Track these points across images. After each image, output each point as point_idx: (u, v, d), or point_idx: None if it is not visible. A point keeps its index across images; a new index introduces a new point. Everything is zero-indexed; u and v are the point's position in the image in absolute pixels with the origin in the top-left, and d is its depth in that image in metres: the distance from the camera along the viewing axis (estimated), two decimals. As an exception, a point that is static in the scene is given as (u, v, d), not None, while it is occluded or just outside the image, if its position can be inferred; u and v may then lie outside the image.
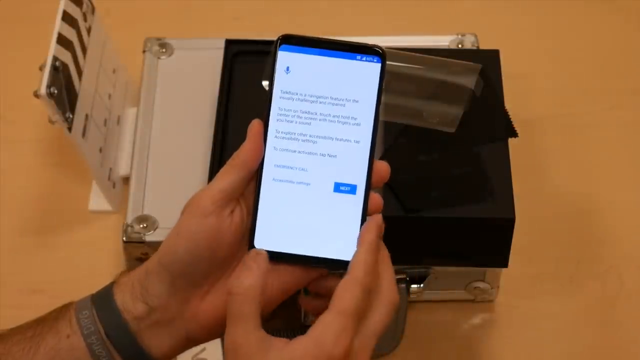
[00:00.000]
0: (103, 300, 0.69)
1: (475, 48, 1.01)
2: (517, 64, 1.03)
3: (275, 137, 0.68)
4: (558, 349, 0.93)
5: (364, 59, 0.68)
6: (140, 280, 0.69)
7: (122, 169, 1.01)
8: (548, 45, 1.15)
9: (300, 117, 0.68)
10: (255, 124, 0.68)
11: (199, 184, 0.90)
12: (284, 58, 0.68)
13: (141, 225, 0.90)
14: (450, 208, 0.84)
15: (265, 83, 0.89)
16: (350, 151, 0.68)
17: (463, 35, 1.02)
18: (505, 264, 0.88)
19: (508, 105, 0.89)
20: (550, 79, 1.12)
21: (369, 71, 0.68)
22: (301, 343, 0.64)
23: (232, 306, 0.65)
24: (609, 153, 1.06)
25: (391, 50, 0.87)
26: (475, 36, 1.02)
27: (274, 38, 0.90)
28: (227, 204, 0.67)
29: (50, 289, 0.97)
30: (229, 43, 0.97)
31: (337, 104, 0.68)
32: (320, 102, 0.68)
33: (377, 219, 0.68)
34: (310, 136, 0.68)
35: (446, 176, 0.86)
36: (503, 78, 0.92)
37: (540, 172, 1.04)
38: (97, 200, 1.01)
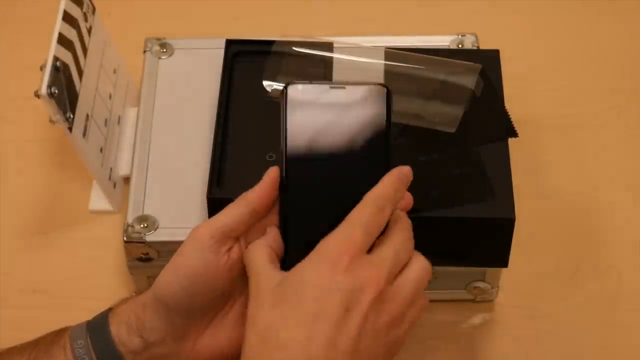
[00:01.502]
0: (98, 329, 0.69)
1: (475, 48, 1.01)
2: (517, 64, 1.03)
3: (294, 173, 0.68)
4: (558, 349, 0.93)
5: (370, 97, 0.69)
6: (137, 312, 0.68)
7: (123, 169, 1.01)
8: (548, 45, 1.15)
9: (316, 154, 0.69)
10: (271, 172, 0.68)
11: (199, 184, 0.90)
12: (293, 102, 0.69)
13: (142, 225, 0.90)
14: (450, 208, 0.84)
15: (266, 83, 0.89)
16: (367, 182, 0.68)
17: (463, 35, 1.02)
18: (505, 264, 0.88)
19: (508, 105, 0.89)
20: (550, 79, 1.12)
21: (377, 106, 0.69)
22: (308, 259, 0.63)
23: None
24: (608, 153, 1.06)
25: (391, 50, 0.88)
26: (475, 36, 1.02)
27: (274, 38, 0.90)
28: (226, 241, 0.67)
29: (50, 289, 0.97)
30: (229, 43, 0.97)
31: (348, 139, 0.69)
32: (333, 137, 0.69)
33: (405, 169, 0.68)
34: (328, 170, 0.69)
35: (446, 176, 0.86)
36: (503, 78, 0.92)
37: (540, 172, 1.04)
38: (98, 200, 1.01)
